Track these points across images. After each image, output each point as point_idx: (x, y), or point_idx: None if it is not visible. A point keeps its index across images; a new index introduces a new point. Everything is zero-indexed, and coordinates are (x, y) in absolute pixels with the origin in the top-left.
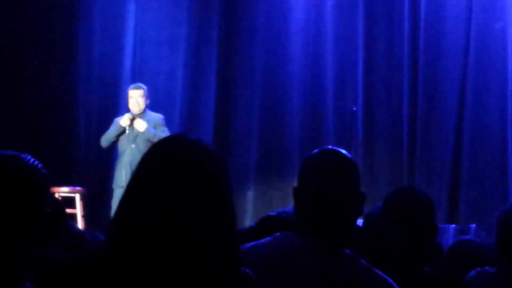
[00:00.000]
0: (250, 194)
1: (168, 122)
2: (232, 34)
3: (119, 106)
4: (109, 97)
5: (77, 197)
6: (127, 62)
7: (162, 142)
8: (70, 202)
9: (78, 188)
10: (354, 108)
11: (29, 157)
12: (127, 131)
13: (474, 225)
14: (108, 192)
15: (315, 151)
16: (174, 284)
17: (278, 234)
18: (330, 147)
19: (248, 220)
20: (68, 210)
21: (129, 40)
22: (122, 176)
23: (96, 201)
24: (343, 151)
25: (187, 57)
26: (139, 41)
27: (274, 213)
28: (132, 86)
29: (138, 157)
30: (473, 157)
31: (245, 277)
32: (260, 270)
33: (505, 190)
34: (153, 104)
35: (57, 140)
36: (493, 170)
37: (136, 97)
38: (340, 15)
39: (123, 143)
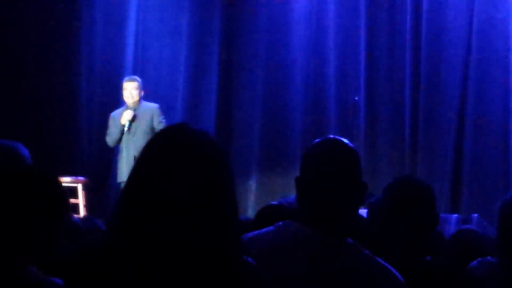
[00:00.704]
0: (252, 184)
1: (170, 112)
2: (234, 24)
3: (121, 96)
4: (111, 88)
5: (79, 187)
6: (129, 52)
7: (164, 132)
8: (73, 192)
9: (80, 178)
10: (356, 98)
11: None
12: (126, 127)
13: (476, 215)
14: (110, 182)
15: (317, 140)
16: (176, 272)
17: (280, 223)
18: (332, 136)
19: (250, 210)
20: (71, 200)
21: (131, 31)
22: (125, 171)
23: (98, 191)
24: (345, 141)
25: (189, 47)
26: (141, 31)
27: (275, 202)
28: (126, 78)
29: (138, 150)
30: (475, 147)
31: (247, 266)
32: (262, 259)
33: (507, 180)
34: (155, 94)
35: (60, 130)
36: (495, 160)
37: (130, 89)
38: (342, 5)
39: (123, 138)
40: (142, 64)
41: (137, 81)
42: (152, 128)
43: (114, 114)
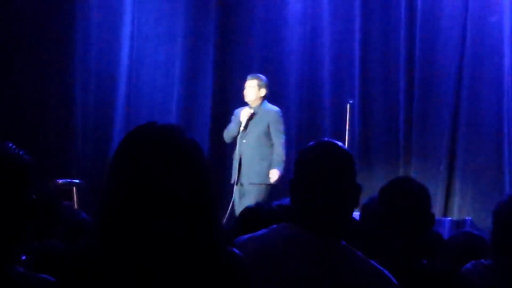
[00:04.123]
0: None
1: (165, 116)
2: (229, 28)
3: (116, 99)
4: (106, 91)
5: (74, 189)
6: (124, 56)
7: (135, 131)
8: (67, 194)
9: (75, 180)
10: (351, 101)
11: (10, 144)
12: (242, 125)
13: (469, 218)
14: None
15: (311, 143)
16: (160, 264)
17: (274, 226)
18: (326, 139)
19: None
20: (65, 203)
21: (126, 34)
22: (234, 172)
23: (93, 194)
24: (339, 143)
25: (184, 51)
26: (136, 35)
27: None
28: (249, 76)
29: (247, 153)
30: (468, 150)
31: (232, 256)
32: (257, 261)
33: (500, 184)
34: (150, 97)
35: (54, 133)
36: (489, 163)
37: (247, 87)
38: (337, 9)
39: (238, 136)
40: (137, 67)
41: (257, 79)
42: (266, 132)
43: (237, 110)
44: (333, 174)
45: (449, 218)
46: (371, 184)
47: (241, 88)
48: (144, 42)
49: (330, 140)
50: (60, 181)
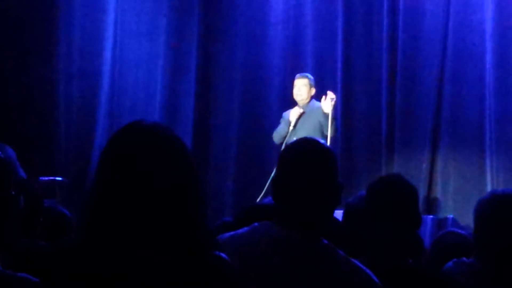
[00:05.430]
0: (230, 186)
1: (148, 114)
2: (212, 27)
3: (99, 97)
4: (89, 88)
5: (57, 187)
6: (107, 54)
7: (123, 129)
8: (50, 192)
9: (58, 178)
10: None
11: None
12: (292, 125)
13: (451, 216)
14: (88, 182)
15: (293, 141)
16: (144, 267)
17: (256, 224)
18: (308, 137)
19: (227, 211)
20: (48, 200)
21: (109, 32)
22: None
23: (76, 191)
24: (321, 141)
25: (167, 49)
26: (119, 33)
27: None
28: (298, 75)
29: None
30: (451, 148)
31: (218, 260)
32: (238, 260)
33: (482, 181)
34: (133, 96)
35: (37, 131)
36: (471, 161)
37: (299, 86)
38: (319, 9)
39: (288, 136)
40: (120, 65)
41: (308, 78)
42: (317, 129)
43: (285, 113)
44: (314, 172)
45: (431, 216)
46: (354, 182)
47: (225, 88)
48: (127, 40)
49: (312, 137)
50: (43, 178)
